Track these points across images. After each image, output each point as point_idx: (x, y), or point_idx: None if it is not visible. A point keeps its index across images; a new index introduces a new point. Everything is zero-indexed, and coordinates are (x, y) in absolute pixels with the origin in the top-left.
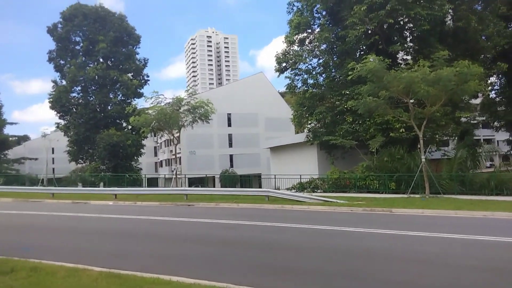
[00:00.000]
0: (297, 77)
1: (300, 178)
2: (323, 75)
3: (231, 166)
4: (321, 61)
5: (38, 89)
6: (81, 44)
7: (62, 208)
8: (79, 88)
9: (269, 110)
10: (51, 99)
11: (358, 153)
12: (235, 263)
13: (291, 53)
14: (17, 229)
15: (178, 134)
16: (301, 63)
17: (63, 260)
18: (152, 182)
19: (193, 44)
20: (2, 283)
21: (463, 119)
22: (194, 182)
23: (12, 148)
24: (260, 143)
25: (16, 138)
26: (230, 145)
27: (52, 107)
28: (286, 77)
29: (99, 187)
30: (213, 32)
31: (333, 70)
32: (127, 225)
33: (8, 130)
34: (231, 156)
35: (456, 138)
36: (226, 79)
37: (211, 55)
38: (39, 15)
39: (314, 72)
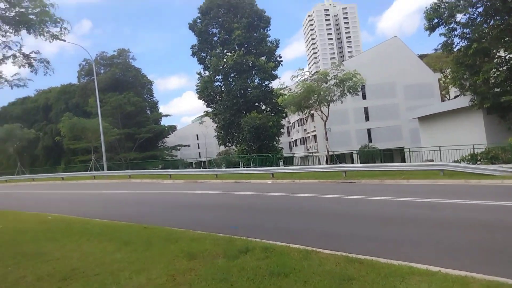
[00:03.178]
0: (453, 33)
1: (473, 149)
2: (485, 25)
3: (370, 141)
4: (480, 9)
5: (176, 84)
6: (218, 35)
7: (230, 187)
8: (220, 77)
9: (407, 77)
10: (198, 90)
11: None
12: (483, 251)
13: (443, 6)
14: (209, 207)
15: (327, 110)
16: (459, 15)
17: (275, 239)
18: (288, 161)
19: (311, 20)
20: (249, 262)
21: None
22: (331, 159)
23: (168, 137)
24: (400, 114)
25: (166, 128)
26: (367, 118)
27: (200, 97)
28: (440, 34)
29: (240, 167)
30: (330, 4)
31: (499, 17)
32: (306, 203)
33: (163, 122)
34: (368, 130)
35: None
36: (348, 52)
37: (330, 29)
38: (172, 23)
39: (475, 23)
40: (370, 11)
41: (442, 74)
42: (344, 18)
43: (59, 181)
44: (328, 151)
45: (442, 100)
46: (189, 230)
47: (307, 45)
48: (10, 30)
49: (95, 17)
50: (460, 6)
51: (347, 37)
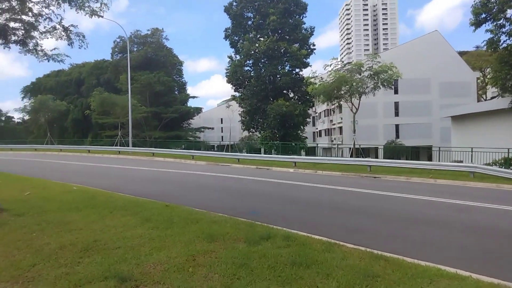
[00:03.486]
0: (501, 30)
1: (508, 153)
2: None
3: (397, 136)
4: None
5: (205, 67)
6: (253, 20)
7: (251, 172)
8: (251, 61)
9: (444, 74)
10: (227, 73)
11: None
12: None
13: (493, 0)
14: (229, 191)
15: (358, 102)
16: (510, 10)
17: (295, 228)
18: (310, 152)
19: (348, 9)
20: (270, 249)
21: None
22: (357, 152)
23: (193, 118)
24: (433, 112)
25: (192, 110)
26: (397, 114)
27: (228, 81)
28: (487, 30)
29: (262, 154)
30: None
31: None
32: (328, 195)
33: (189, 103)
34: (397, 126)
35: None
36: (383, 44)
37: (367, 20)
38: (206, 5)
39: None
40: (410, 3)
41: (481, 73)
42: (383, 9)
43: (85, 154)
44: (354, 144)
45: (478, 101)
46: (210, 212)
47: (341, 35)
48: (53, 2)
49: None
50: None
51: (383, 29)
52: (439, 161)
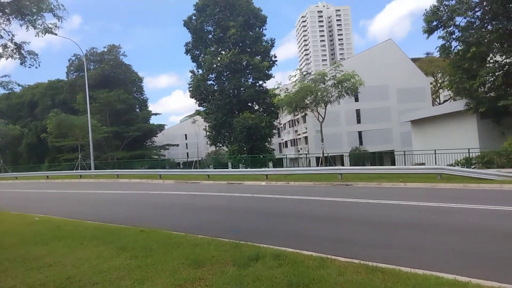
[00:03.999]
0: (452, 36)
1: (469, 153)
2: (483, 30)
3: (361, 143)
4: (478, 13)
5: (165, 83)
6: (213, 33)
7: (223, 188)
8: (214, 75)
9: (400, 80)
10: (190, 88)
11: None
12: (505, 259)
13: (442, 8)
14: (205, 209)
15: (324, 111)
16: (458, 18)
17: (281, 244)
18: (278, 163)
19: (304, 21)
20: (262, 271)
21: None
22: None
23: (157, 136)
24: (392, 117)
25: (154, 127)
26: (359, 121)
27: (192, 96)
28: (439, 37)
29: (229, 168)
30: (323, 6)
31: (498, 22)
32: (305, 206)
33: (151, 121)
34: (359, 132)
35: None
36: (340, 54)
37: (322, 31)
38: (163, 20)
39: (473, 27)
40: (362, 14)
41: (433, 78)
42: (337, 20)
43: (44, 180)
44: (323, 153)
45: (433, 104)
46: (189, 234)
47: (299, 46)
48: (3, 18)
49: (85, 12)
50: (460, 10)
51: (339, 39)
52: (405, 164)
